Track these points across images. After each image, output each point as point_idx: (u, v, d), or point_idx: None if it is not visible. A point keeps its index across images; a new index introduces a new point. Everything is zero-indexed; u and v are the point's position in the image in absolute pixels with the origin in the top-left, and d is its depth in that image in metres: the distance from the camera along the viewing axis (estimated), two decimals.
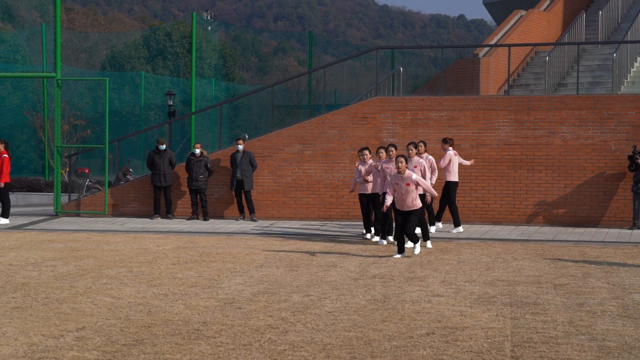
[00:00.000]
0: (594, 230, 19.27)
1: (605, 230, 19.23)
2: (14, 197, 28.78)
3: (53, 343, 8.15)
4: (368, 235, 17.77)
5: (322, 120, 21.69)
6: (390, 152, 16.59)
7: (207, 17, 78.59)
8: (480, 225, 20.16)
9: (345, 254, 15.14)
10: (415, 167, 16.31)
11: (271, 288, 11.40)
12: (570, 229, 19.37)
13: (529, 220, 20.35)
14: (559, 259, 14.41)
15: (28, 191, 29.96)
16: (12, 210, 21.76)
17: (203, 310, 9.84)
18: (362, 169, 17.42)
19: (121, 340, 8.28)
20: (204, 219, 21.39)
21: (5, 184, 20.83)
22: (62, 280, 11.93)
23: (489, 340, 8.41)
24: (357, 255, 14.89)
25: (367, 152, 17.54)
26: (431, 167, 17.80)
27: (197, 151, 21.53)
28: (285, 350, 7.99)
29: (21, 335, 8.45)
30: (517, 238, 17.80)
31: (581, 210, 20.08)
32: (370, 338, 8.47)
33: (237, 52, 61.30)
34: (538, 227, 19.89)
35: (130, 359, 7.63)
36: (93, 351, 7.86)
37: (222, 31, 78.13)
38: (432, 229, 18.39)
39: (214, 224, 20.52)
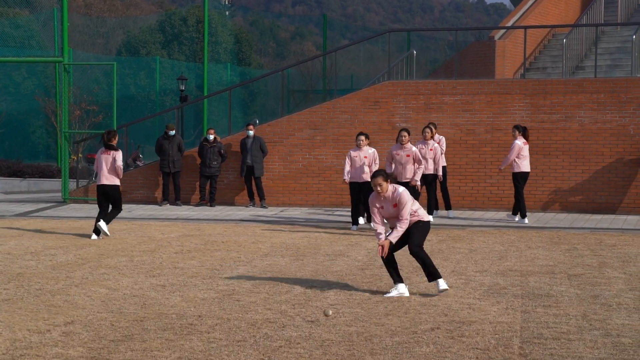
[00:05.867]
0: (611, 217, 18.75)
1: (624, 217, 18.72)
2: (26, 184, 28.58)
3: (38, 339, 7.77)
4: (354, 227, 16.80)
5: (333, 105, 21.24)
6: (403, 137, 16.15)
7: (225, 1, 78.16)
8: (495, 212, 19.69)
9: (354, 242, 14.73)
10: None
11: (274, 279, 11.00)
12: (587, 216, 18.87)
13: (545, 207, 19.85)
14: (575, 248, 13.95)
15: (40, 177, 29.70)
16: (20, 196, 21.51)
17: (200, 302, 9.45)
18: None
19: (110, 336, 7.90)
20: (210, 205, 21.02)
21: None
22: (59, 270, 11.57)
23: (496, 335, 7.97)
24: (365, 244, 14.47)
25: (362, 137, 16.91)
26: (435, 155, 17.42)
27: (211, 137, 21.11)
28: (281, 346, 7.58)
29: (6, 330, 8.06)
30: (532, 225, 17.32)
31: (599, 196, 19.55)
32: (371, 333, 8.05)
33: (254, 37, 60.80)
34: (554, 214, 19.40)
35: (117, 356, 7.24)
36: (78, 348, 7.48)
37: (240, 16, 77.72)
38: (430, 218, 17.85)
39: (223, 211, 20.14)
